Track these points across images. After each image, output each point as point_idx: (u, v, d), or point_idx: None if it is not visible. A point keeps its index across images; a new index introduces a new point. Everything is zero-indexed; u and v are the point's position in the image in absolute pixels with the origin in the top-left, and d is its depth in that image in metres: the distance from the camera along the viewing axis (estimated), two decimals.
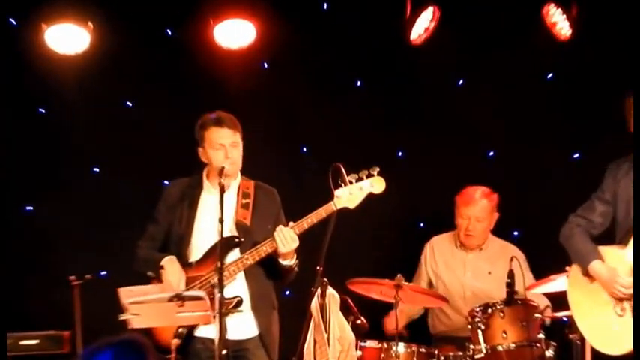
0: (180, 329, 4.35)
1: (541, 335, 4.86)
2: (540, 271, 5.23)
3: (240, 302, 4.43)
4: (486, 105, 6.04)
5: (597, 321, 4.44)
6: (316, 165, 6.00)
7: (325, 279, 4.58)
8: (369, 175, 4.47)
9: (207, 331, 4.32)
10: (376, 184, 4.48)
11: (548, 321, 4.97)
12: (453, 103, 6.16)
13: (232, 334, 4.27)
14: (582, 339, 4.64)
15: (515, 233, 5.98)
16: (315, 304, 4.59)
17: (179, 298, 4.11)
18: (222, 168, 4.42)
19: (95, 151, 6.14)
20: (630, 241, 4.36)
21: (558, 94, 6.04)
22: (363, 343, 4.97)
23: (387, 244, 6.10)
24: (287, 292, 5.35)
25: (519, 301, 4.89)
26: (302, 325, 4.60)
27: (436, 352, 5.05)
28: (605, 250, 4.49)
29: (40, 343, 5.48)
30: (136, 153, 6.07)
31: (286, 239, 4.40)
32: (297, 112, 6.33)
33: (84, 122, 6.07)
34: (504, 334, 4.82)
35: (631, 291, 4.30)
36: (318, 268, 4.48)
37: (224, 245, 4.26)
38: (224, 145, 4.52)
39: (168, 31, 6.23)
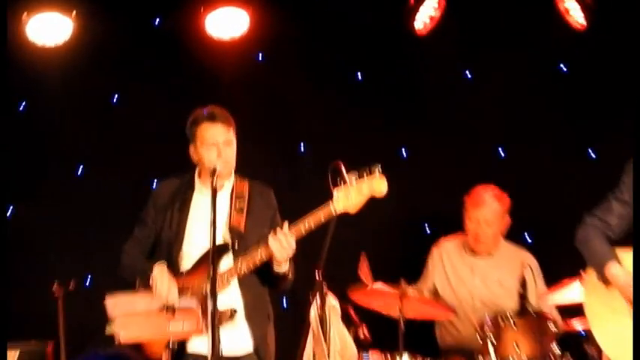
0: (172, 344, 4.32)
1: (556, 349, 4.85)
2: (554, 278, 5.22)
3: (234, 313, 4.39)
4: (496, 99, 6.03)
5: (615, 332, 4.40)
6: (314, 163, 5.98)
7: (325, 287, 4.55)
8: (370, 174, 4.43)
9: (200, 346, 4.29)
10: (377, 187, 4.40)
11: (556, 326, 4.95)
12: (460, 97, 6.16)
13: (227, 350, 4.24)
14: (599, 352, 4.62)
15: (527, 237, 5.95)
16: (313, 314, 4.57)
17: (169, 308, 4.08)
18: (215, 169, 4.38)
19: (79, 150, 6.13)
20: None
21: (573, 88, 6.02)
22: (365, 355, 4.95)
23: (391, 248, 6.08)
24: (284, 304, 5.34)
25: (533, 313, 4.87)
26: (300, 337, 4.57)
27: None
28: (623, 253, 4.47)
29: (21, 356, 5.46)
30: (123, 151, 6.06)
31: (283, 246, 4.37)
32: (294, 107, 6.31)
33: (67, 118, 6.05)
34: (517, 348, 4.81)
35: None
36: (317, 275, 4.46)
37: (216, 252, 4.23)
38: (217, 143, 4.49)
39: (156, 20, 6.20)
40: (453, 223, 5.69)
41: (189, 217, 4.59)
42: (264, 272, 4.48)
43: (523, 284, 4.84)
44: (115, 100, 6.23)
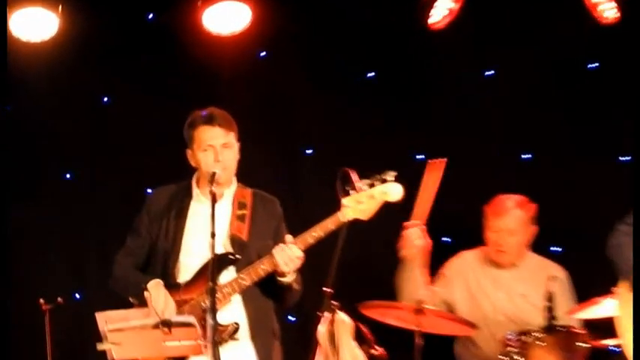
0: None
1: None
2: (585, 293, 5.21)
3: (236, 329, 4.40)
4: (519, 99, 6.02)
5: None
6: (319, 167, 5.98)
7: (335, 302, 4.55)
8: (383, 182, 4.44)
9: None
10: (391, 191, 4.43)
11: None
12: (480, 97, 6.14)
13: None
14: None
15: (555, 249, 5.95)
16: (323, 331, 4.56)
17: (166, 324, 4.09)
18: (214, 174, 4.39)
19: (67, 154, 6.13)
20: None
21: (603, 87, 6.02)
22: None
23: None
24: (290, 318, 5.33)
25: (562, 328, 4.86)
26: (308, 355, 4.57)
27: None
28: None
29: None
30: (115, 156, 6.07)
31: (290, 258, 4.37)
32: (299, 108, 6.32)
33: (54, 120, 6.05)
34: None
35: None
36: (326, 289, 4.45)
37: (217, 263, 4.23)
38: (214, 146, 4.50)
39: (150, 14, 6.21)
40: (471, 234, 5.69)
41: (187, 226, 4.60)
42: (268, 284, 4.48)
43: (550, 298, 4.83)
44: (105, 101, 6.24)
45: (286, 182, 6.10)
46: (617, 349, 4.75)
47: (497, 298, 5.55)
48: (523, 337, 4.88)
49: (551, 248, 5.92)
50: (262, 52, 6.33)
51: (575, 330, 4.93)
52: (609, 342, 4.84)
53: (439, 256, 5.87)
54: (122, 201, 5.70)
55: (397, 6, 6.11)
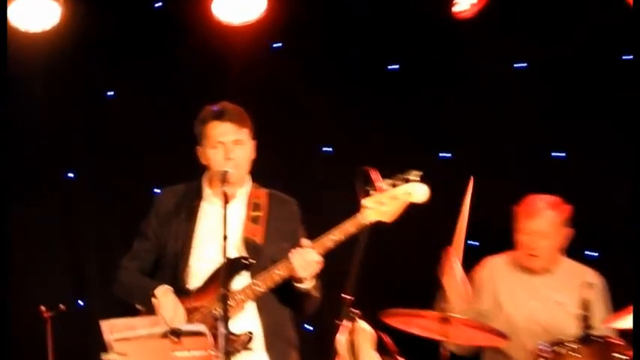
0: None
1: None
2: (622, 301, 5.18)
3: (250, 339, 4.40)
4: (552, 93, 6.01)
5: None
6: (337, 166, 5.98)
7: (355, 310, 4.55)
8: (406, 181, 4.43)
9: None
10: (416, 191, 4.43)
11: None
12: (510, 91, 6.14)
13: None
14: None
15: (590, 253, 5.93)
16: (342, 341, 4.56)
17: (175, 333, 4.10)
18: (225, 172, 4.40)
19: (69, 152, 6.14)
20: None
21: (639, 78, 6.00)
22: None
23: (430, 266, 6.06)
24: (308, 327, 5.34)
25: (598, 339, 4.85)
26: None
27: None
28: None
29: None
30: (120, 154, 6.07)
31: (308, 263, 4.37)
32: (316, 103, 6.31)
33: (54, 117, 6.07)
34: None
35: None
36: (345, 296, 4.45)
37: (229, 268, 4.24)
38: (224, 143, 4.50)
39: (156, 3, 6.23)
40: (500, 237, 5.68)
41: (197, 228, 4.61)
42: (285, 291, 4.48)
43: (585, 306, 4.81)
44: (109, 95, 6.25)
45: (303, 182, 6.09)
46: None
47: (531, 307, 5.53)
48: (556, 348, 4.88)
49: (587, 253, 5.92)
50: (276, 43, 6.32)
51: (612, 340, 4.92)
52: None
53: (465, 260, 5.87)
54: (124, 201, 5.71)
55: None
